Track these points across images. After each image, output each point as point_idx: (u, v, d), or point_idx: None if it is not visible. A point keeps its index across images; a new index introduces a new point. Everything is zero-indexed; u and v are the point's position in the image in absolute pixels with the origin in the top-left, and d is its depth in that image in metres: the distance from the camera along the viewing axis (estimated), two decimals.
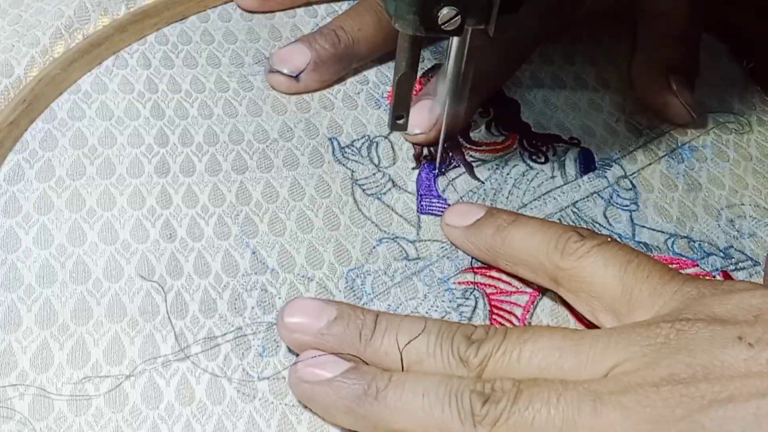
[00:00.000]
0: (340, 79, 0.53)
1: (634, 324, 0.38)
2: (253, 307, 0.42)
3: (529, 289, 0.45)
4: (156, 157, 0.47)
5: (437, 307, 0.44)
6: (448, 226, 0.46)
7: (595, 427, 0.35)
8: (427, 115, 0.49)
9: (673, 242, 0.48)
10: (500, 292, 0.45)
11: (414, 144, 0.51)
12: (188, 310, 0.42)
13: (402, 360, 0.38)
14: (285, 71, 0.51)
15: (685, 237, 0.48)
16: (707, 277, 0.46)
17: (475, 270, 0.45)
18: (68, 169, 0.46)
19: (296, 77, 0.51)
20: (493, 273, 0.45)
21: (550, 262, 0.42)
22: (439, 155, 0.50)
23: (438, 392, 0.36)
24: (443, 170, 0.50)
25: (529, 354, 0.38)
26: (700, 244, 0.48)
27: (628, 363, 0.36)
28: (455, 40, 0.44)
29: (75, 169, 0.46)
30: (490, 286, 0.45)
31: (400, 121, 0.47)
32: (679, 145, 0.53)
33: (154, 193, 0.46)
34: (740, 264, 0.47)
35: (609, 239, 0.42)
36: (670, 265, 0.45)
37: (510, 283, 0.45)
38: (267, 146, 0.49)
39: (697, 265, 0.47)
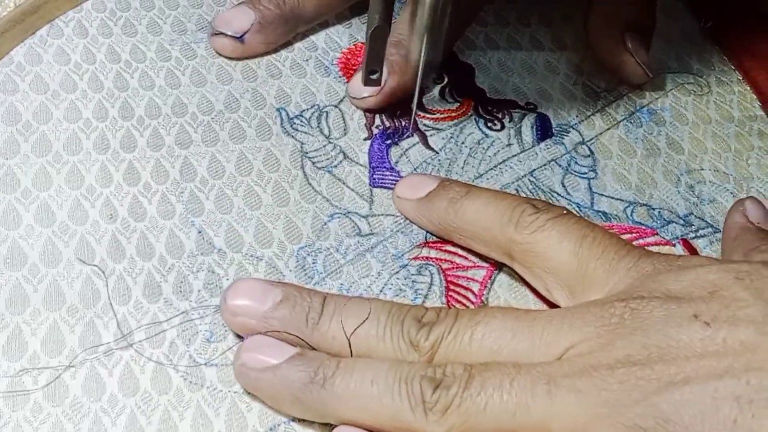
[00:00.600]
0: (288, 46, 0.51)
1: (588, 303, 0.37)
2: (199, 290, 0.41)
3: (486, 264, 0.43)
4: (95, 132, 0.45)
5: (392, 284, 0.42)
6: (399, 199, 0.45)
7: (549, 411, 0.34)
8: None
9: (632, 210, 0.47)
10: (456, 267, 0.43)
11: (364, 110, 0.49)
12: (131, 295, 0.40)
13: (350, 345, 0.37)
14: (229, 33, 0.49)
15: (644, 205, 0.47)
16: (666, 247, 0.45)
17: (430, 245, 0.44)
18: (1, 147, 0.44)
19: (240, 39, 0.49)
20: (449, 247, 0.44)
21: (503, 236, 0.41)
22: (415, 101, 0.48)
23: (387, 379, 0.35)
24: (396, 141, 0.48)
25: (481, 336, 0.36)
26: (659, 212, 0.47)
27: (582, 344, 0.35)
28: None
29: (8, 146, 0.44)
30: (445, 261, 0.43)
31: (374, 77, 0.46)
32: (638, 108, 0.52)
33: (93, 171, 0.44)
34: (700, 231, 0.46)
35: (564, 211, 0.41)
36: (629, 235, 0.45)
37: (467, 258, 0.43)
38: (212, 118, 0.47)
39: (657, 234, 0.46)
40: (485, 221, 0.41)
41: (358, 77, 0.48)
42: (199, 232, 0.42)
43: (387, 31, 0.43)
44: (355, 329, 0.37)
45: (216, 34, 0.49)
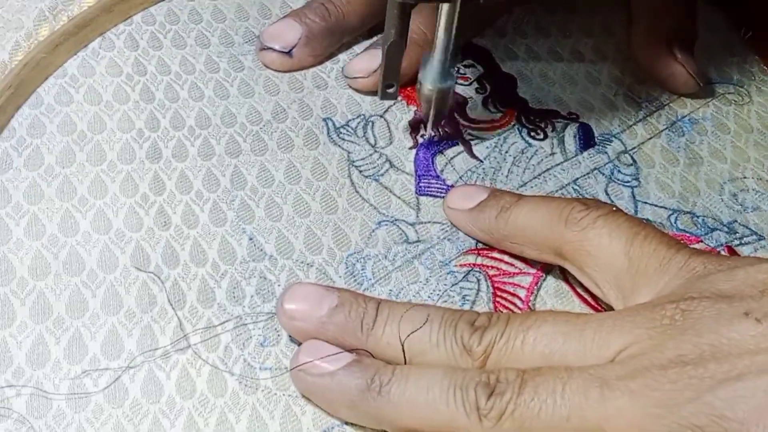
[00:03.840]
0: (333, 58, 0.52)
1: (639, 306, 0.37)
2: (252, 296, 0.41)
3: (532, 270, 0.44)
4: (147, 142, 0.46)
5: (439, 290, 0.43)
6: (450, 209, 0.45)
7: (603, 414, 0.34)
8: (369, 61, 0.49)
9: (676, 218, 0.47)
10: (503, 274, 0.44)
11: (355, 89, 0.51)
12: (186, 300, 0.41)
13: (404, 351, 0.37)
14: (277, 47, 0.50)
15: (688, 212, 0.47)
16: (713, 253, 0.45)
17: (478, 252, 0.44)
18: (57, 156, 0.45)
19: (289, 53, 0.50)
20: (495, 254, 0.44)
21: (554, 235, 0.41)
22: (429, 126, 0.48)
23: (442, 386, 0.35)
24: (441, 149, 0.49)
25: (533, 341, 0.37)
26: (703, 220, 0.47)
27: (634, 346, 0.35)
28: (445, 8, 0.43)
29: (64, 156, 0.45)
30: (492, 267, 0.44)
31: (390, 90, 0.47)
32: (679, 117, 0.52)
33: (147, 180, 0.45)
34: (745, 239, 0.47)
35: (614, 209, 0.41)
36: None
37: (513, 265, 0.44)
38: (261, 128, 0.48)
39: (702, 241, 0.46)
40: (536, 223, 0.42)
41: (356, 59, 0.51)
42: (251, 239, 0.43)
43: (403, 46, 0.44)
44: (409, 335, 0.37)
45: (264, 48, 0.50)
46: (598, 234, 0.40)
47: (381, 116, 0.50)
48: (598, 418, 0.34)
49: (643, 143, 0.51)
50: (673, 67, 0.52)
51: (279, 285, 0.42)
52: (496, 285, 0.43)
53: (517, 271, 0.44)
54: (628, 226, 0.40)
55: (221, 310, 0.41)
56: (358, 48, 0.53)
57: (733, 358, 0.33)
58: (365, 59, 0.50)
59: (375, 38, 0.53)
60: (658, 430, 0.33)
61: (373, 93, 0.50)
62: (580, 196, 0.47)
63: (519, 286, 0.43)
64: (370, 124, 0.49)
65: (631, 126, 0.51)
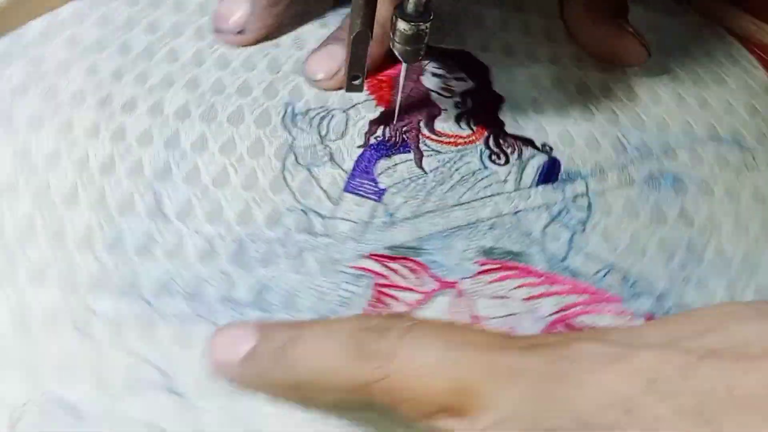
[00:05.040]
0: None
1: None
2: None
3: (424, 290, 0.42)
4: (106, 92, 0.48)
5: (320, 285, 0.42)
6: (220, 366, 0.37)
7: None
8: (329, 60, 0.49)
9: (605, 273, 0.43)
10: (391, 286, 0.42)
11: (321, 90, 0.50)
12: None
13: None
14: (228, 27, 0.51)
15: (621, 271, 0.44)
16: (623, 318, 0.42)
17: (378, 258, 0.43)
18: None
19: (241, 31, 0.51)
20: (395, 265, 0.43)
21: (354, 377, 0.34)
22: (397, 106, 0.49)
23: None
24: (390, 153, 0.48)
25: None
26: (634, 282, 0.43)
27: None
28: None
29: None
30: (384, 276, 0.42)
31: (356, 82, 0.47)
32: (663, 173, 0.48)
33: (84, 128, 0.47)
34: (671, 311, 0.42)
35: (410, 323, 0.34)
36: (580, 297, 0.42)
37: (407, 278, 0.42)
38: (218, 99, 0.49)
39: (620, 302, 0.42)
40: (326, 366, 0.34)
41: (314, 58, 0.50)
42: (157, 199, 0.44)
43: (369, 36, 0.43)
44: None
45: (218, 31, 0.51)
46: (404, 359, 0.33)
47: (344, 111, 0.49)
48: None
49: (608, 190, 0.47)
50: (625, 39, 0.51)
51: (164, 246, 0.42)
52: (377, 293, 0.42)
53: (407, 286, 0.42)
54: (436, 338, 0.33)
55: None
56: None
57: None
58: (324, 59, 0.49)
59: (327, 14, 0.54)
60: None
61: (339, 89, 0.50)
62: (514, 229, 0.45)
63: (402, 301, 0.42)
64: (330, 116, 0.49)
65: (604, 170, 0.48)
